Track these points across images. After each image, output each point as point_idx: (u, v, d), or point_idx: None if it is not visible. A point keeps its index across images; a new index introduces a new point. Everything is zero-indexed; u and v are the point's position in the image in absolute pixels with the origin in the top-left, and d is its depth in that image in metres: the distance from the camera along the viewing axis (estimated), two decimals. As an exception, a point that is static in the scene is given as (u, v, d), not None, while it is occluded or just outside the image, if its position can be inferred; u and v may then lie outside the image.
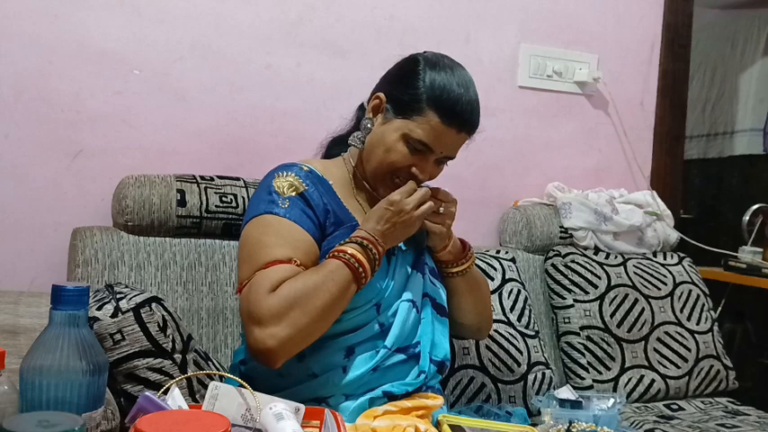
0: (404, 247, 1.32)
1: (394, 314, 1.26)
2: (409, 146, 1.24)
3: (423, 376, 1.27)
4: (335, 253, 1.16)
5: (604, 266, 2.00)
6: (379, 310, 1.25)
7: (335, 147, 1.41)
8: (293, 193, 1.21)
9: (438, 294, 1.35)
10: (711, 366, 1.99)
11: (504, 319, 1.75)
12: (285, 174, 1.25)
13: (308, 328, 1.12)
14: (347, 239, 1.18)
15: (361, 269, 1.15)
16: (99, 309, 1.08)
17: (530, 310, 1.83)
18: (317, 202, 1.23)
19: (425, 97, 1.22)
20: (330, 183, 1.29)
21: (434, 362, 1.29)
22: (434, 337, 1.30)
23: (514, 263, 1.89)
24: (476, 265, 1.44)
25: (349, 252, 1.15)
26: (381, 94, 1.28)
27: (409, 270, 1.31)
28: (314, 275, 1.14)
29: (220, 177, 1.62)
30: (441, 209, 1.28)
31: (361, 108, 1.38)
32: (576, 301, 1.93)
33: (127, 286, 1.22)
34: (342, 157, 1.36)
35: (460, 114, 1.23)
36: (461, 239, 1.39)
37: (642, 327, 1.95)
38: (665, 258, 2.14)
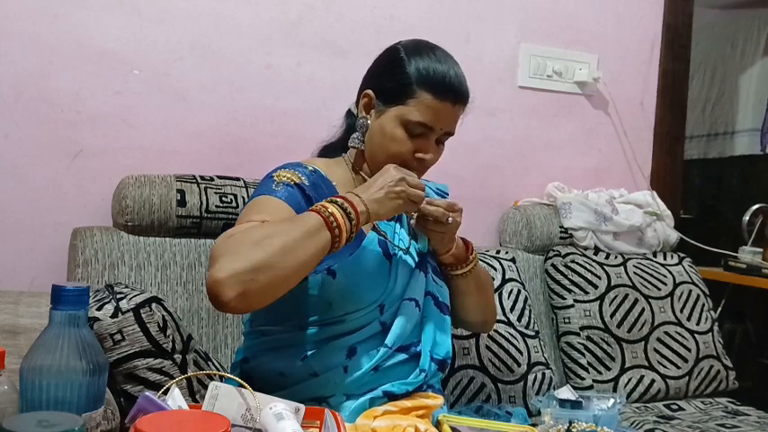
0: (404, 246, 1.32)
1: (394, 313, 1.26)
2: (409, 131, 1.24)
3: (423, 375, 1.27)
4: (317, 207, 1.11)
5: (604, 266, 2.00)
6: (383, 311, 1.25)
7: (327, 154, 1.40)
8: (289, 181, 1.22)
9: (440, 292, 1.35)
10: (711, 366, 1.99)
11: (504, 319, 1.75)
12: (287, 169, 1.26)
13: (263, 265, 1.02)
14: (331, 198, 1.14)
15: (335, 223, 1.09)
16: (99, 309, 1.08)
17: (530, 310, 1.83)
18: (315, 197, 1.22)
19: (414, 79, 1.23)
20: (334, 184, 1.29)
21: (435, 360, 1.29)
22: (436, 335, 1.30)
23: (514, 263, 1.89)
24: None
25: (329, 209, 1.10)
26: (369, 91, 1.29)
27: (412, 269, 1.31)
28: (281, 221, 1.11)
29: (220, 177, 1.62)
30: (449, 219, 1.28)
31: (349, 115, 1.38)
32: (576, 301, 1.93)
33: (127, 286, 1.22)
34: (343, 158, 1.36)
35: (451, 88, 1.24)
36: (465, 240, 1.39)
37: (642, 327, 1.95)
38: (665, 258, 2.14)
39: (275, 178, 1.23)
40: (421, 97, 1.23)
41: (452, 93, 1.24)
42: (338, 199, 1.12)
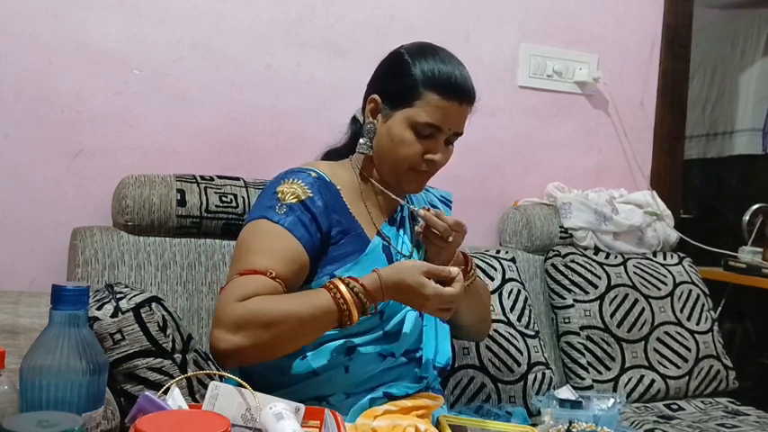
0: (407, 252, 1.32)
1: (399, 322, 1.26)
2: (417, 132, 1.24)
3: (425, 381, 1.27)
4: (332, 287, 1.12)
5: (604, 266, 2.00)
6: (383, 317, 1.25)
7: (332, 159, 1.40)
8: (294, 200, 1.21)
9: None
10: (711, 366, 1.99)
11: (504, 319, 1.75)
12: (291, 180, 1.25)
13: (267, 346, 1.11)
14: (349, 279, 1.14)
15: (347, 312, 1.11)
16: (99, 309, 1.08)
17: (530, 310, 1.83)
18: (320, 210, 1.22)
19: (420, 80, 1.23)
20: (338, 188, 1.28)
21: (436, 367, 1.30)
22: (437, 342, 1.31)
23: (514, 263, 1.89)
24: (476, 266, 1.43)
25: (343, 291, 1.11)
26: (375, 96, 1.28)
27: None
28: (295, 301, 1.13)
29: (220, 177, 1.62)
30: (450, 238, 1.28)
31: (354, 121, 1.38)
32: (576, 301, 1.93)
33: (127, 286, 1.22)
34: (350, 160, 1.35)
35: (457, 87, 1.24)
36: (466, 256, 1.39)
37: (642, 327, 1.95)
38: (665, 258, 2.13)
39: (279, 196, 1.22)
40: (427, 98, 1.22)
41: (458, 92, 1.24)
42: (362, 294, 1.12)
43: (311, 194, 1.22)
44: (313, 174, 1.26)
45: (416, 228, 1.33)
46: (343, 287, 1.11)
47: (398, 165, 1.27)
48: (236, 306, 1.10)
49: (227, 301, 1.12)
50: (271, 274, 1.14)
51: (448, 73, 1.23)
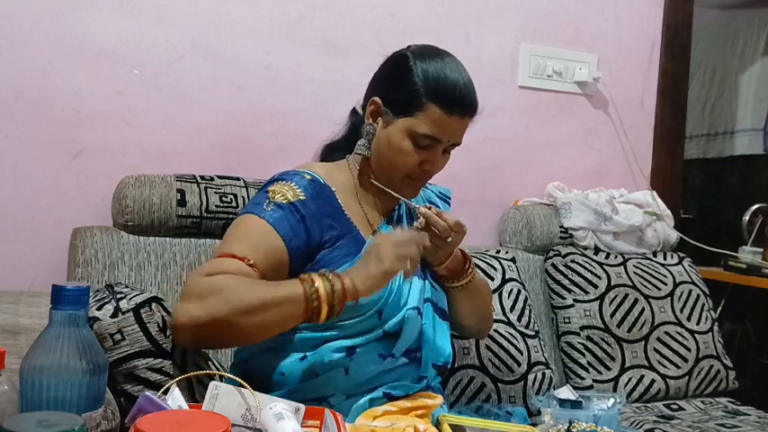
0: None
1: (398, 322, 1.25)
2: (416, 142, 1.23)
3: (424, 381, 1.27)
4: (307, 278, 1.10)
5: (604, 266, 2.00)
6: (381, 317, 1.24)
7: (331, 154, 1.39)
8: (282, 201, 1.21)
9: (440, 299, 1.35)
10: (711, 366, 1.99)
11: (504, 319, 1.75)
12: (284, 182, 1.24)
13: (223, 324, 1.06)
14: (325, 273, 1.11)
15: (316, 304, 1.08)
16: (99, 309, 1.08)
17: (530, 310, 1.83)
18: (311, 214, 1.21)
19: (423, 91, 1.21)
20: (333, 189, 1.28)
21: (436, 366, 1.30)
22: (436, 341, 1.30)
23: (514, 263, 1.89)
24: (476, 266, 1.43)
25: (316, 284, 1.08)
26: (377, 99, 1.27)
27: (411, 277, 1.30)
28: (264, 285, 1.11)
29: (220, 177, 1.63)
30: (449, 238, 1.28)
31: (354, 113, 1.37)
32: (576, 300, 1.93)
33: (127, 286, 1.22)
34: (346, 161, 1.35)
35: (460, 101, 1.22)
36: (465, 255, 1.39)
37: (642, 327, 1.95)
38: (665, 258, 2.13)
39: (270, 195, 1.22)
40: (429, 110, 1.21)
41: (460, 106, 1.22)
42: (338, 287, 1.09)
43: (303, 198, 1.21)
44: (307, 176, 1.26)
45: (415, 224, 1.33)
46: (319, 281, 1.09)
47: (395, 171, 1.27)
48: (203, 279, 1.09)
49: (195, 277, 1.10)
50: (248, 260, 1.12)
51: (452, 85, 1.21)
